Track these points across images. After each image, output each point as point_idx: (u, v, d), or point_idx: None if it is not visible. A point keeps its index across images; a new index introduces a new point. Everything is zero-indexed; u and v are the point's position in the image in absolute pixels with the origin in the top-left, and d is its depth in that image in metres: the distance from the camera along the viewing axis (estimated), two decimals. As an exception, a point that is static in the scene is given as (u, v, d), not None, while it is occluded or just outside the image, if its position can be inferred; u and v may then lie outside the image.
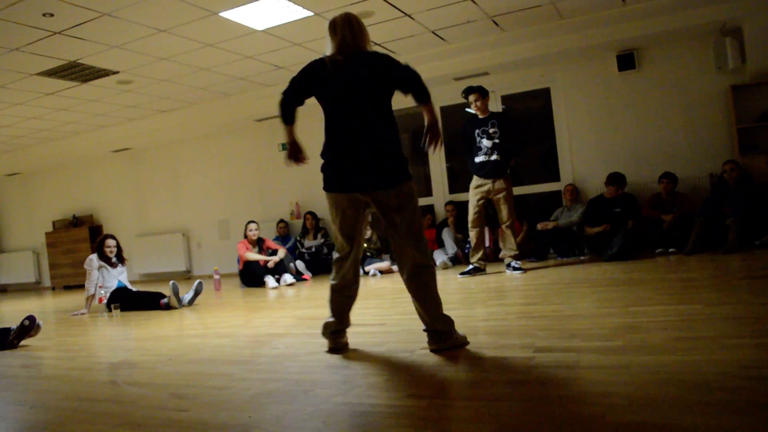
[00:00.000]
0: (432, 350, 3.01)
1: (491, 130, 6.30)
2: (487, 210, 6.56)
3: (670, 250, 6.57)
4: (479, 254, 6.44)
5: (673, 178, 6.97)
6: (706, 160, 7.33)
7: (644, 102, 7.74)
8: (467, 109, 6.89)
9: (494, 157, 6.27)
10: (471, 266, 6.48)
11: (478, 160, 6.35)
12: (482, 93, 6.39)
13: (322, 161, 3.17)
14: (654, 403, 1.96)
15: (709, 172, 7.28)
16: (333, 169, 3.12)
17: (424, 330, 3.09)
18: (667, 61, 7.61)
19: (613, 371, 2.36)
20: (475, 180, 6.41)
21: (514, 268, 6.24)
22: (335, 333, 3.26)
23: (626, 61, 7.68)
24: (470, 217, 6.42)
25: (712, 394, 1.99)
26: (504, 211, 6.30)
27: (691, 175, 7.37)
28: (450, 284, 5.90)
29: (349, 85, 3.06)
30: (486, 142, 6.32)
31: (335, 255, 3.25)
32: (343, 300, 3.25)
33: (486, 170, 6.30)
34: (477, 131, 6.38)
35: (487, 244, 7.78)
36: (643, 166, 7.64)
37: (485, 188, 6.32)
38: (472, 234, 6.43)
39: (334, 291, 3.25)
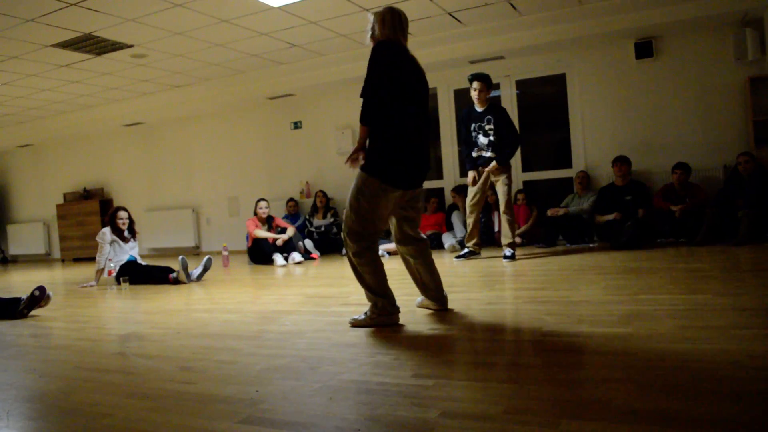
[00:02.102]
0: (436, 309, 3.54)
1: (487, 127, 6.15)
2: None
3: (681, 240, 6.54)
4: (474, 239, 6.44)
5: (687, 169, 6.90)
6: (721, 152, 7.26)
7: (660, 91, 7.65)
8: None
9: (488, 154, 6.17)
10: (466, 250, 6.50)
11: (474, 154, 6.28)
12: (487, 83, 6.18)
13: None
14: (661, 390, 1.95)
15: (723, 163, 7.21)
16: (405, 167, 3.21)
17: (431, 298, 3.54)
18: (685, 50, 7.51)
19: (620, 358, 2.36)
20: (471, 172, 6.33)
21: (504, 257, 6.15)
22: (390, 309, 3.29)
23: (644, 49, 7.58)
24: (468, 203, 6.37)
25: (720, 384, 1.98)
26: (500, 198, 6.21)
27: (704, 166, 7.31)
28: (459, 268, 5.89)
29: (419, 84, 3.28)
30: (482, 139, 6.19)
31: (361, 242, 3.24)
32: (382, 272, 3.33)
33: (480, 163, 6.24)
34: (474, 125, 6.24)
35: (496, 228, 7.78)
36: (656, 156, 7.57)
37: (483, 175, 6.22)
38: (469, 220, 6.40)
39: (376, 272, 3.27)
